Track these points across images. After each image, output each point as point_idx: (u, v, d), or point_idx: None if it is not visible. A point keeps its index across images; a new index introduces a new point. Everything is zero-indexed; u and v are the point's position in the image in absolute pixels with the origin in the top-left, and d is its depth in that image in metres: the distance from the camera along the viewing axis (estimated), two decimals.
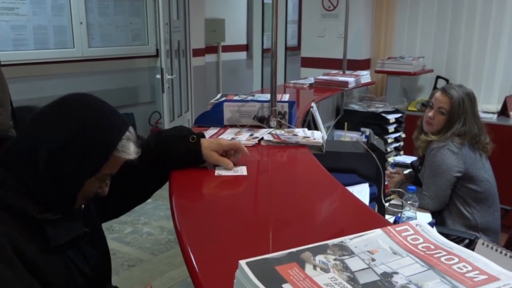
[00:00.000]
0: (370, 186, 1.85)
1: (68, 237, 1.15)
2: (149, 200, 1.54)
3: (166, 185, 1.46)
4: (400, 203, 2.22)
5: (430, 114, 2.41)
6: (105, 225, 1.56)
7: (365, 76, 3.75)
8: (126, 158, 1.19)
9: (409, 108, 4.08)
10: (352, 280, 0.71)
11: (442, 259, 0.76)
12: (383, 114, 3.47)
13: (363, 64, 4.45)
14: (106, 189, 1.25)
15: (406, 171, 2.79)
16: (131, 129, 1.22)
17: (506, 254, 1.19)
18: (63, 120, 1.14)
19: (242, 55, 6.91)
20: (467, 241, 2.06)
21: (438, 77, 4.23)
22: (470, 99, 2.36)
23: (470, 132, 2.32)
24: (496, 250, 1.23)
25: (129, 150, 1.19)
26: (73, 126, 1.12)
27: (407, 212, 1.89)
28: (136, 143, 1.23)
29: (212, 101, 2.40)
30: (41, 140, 1.11)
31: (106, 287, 1.41)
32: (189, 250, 0.98)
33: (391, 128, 3.47)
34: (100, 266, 1.30)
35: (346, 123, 3.33)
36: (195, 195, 1.44)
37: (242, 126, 2.03)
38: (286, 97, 2.53)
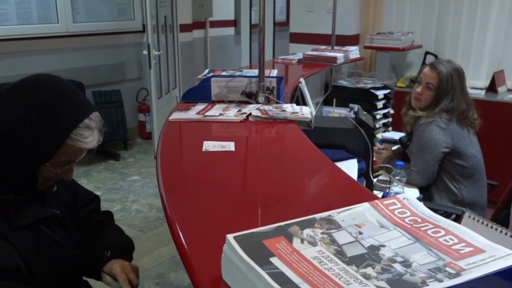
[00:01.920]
0: (358, 161, 1.85)
1: (31, 219, 1.14)
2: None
3: (154, 163, 1.45)
4: (388, 179, 2.23)
5: (418, 89, 2.41)
6: None
7: (354, 51, 3.73)
8: (82, 147, 1.13)
9: (398, 84, 4.08)
10: (340, 253, 0.71)
11: (429, 232, 0.77)
12: (372, 90, 3.46)
13: (352, 40, 4.42)
14: (71, 174, 1.21)
15: (394, 147, 2.81)
16: (94, 115, 1.15)
17: (492, 227, 1.21)
18: (15, 103, 1.09)
19: (230, 30, 6.83)
20: (454, 216, 2.08)
21: (427, 52, 4.22)
22: (458, 74, 2.36)
23: (458, 108, 2.33)
24: (482, 223, 1.25)
25: (86, 139, 1.12)
26: (24, 111, 1.08)
27: (395, 188, 1.90)
28: (99, 130, 1.17)
29: (199, 76, 2.37)
30: None
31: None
32: (177, 227, 0.98)
33: (380, 104, 3.47)
34: (72, 250, 1.28)
35: (334, 99, 3.32)
36: (182, 172, 1.44)
37: (230, 101, 2.02)
38: (274, 72, 2.50)
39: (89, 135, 1.13)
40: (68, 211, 1.34)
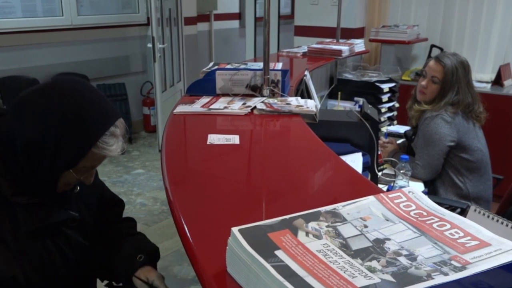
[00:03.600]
0: (363, 155, 1.85)
1: (41, 224, 1.13)
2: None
3: (158, 156, 1.45)
4: (393, 173, 2.23)
5: (423, 83, 2.39)
6: None
7: (359, 44, 3.71)
8: (107, 155, 1.12)
9: (403, 78, 4.06)
10: (345, 246, 0.71)
11: (434, 225, 0.77)
12: (377, 84, 3.44)
13: (357, 33, 4.40)
14: (91, 178, 1.21)
15: (399, 141, 2.80)
16: (119, 122, 1.14)
17: (497, 220, 1.20)
18: (42, 110, 1.08)
19: (235, 23, 6.81)
20: (459, 210, 2.07)
21: (432, 46, 4.19)
22: (464, 67, 2.34)
23: (464, 101, 2.31)
24: (488, 216, 1.24)
25: (111, 147, 1.11)
26: (50, 118, 1.06)
27: (400, 181, 1.89)
28: (124, 137, 1.16)
29: (204, 69, 2.37)
30: (19, 128, 1.08)
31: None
32: (182, 220, 0.98)
33: (385, 98, 3.45)
34: (85, 253, 1.27)
35: (339, 93, 3.31)
36: (187, 165, 1.44)
37: (235, 94, 2.01)
38: (279, 65, 2.50)
39: (114, 143, 1.12)
40: (90, 212, 1.33)
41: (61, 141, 1.07)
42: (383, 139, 2.68)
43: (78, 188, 1.25)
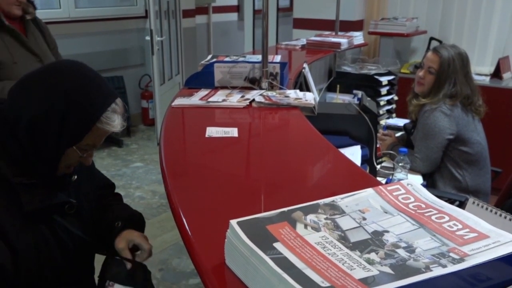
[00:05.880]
0: (362, 148, 1.85)
1: (42, 204, 1.15)
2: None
3: (157, 149, 1.45)
4: (391, 166, 2.23)
5: (421, 73, 2.39)
6: None
7: (358, 37, 3.70)
8: (110, 130, 1.17)
9: (402, 70, 4.05)
10: (343, 238, 0.71)
11: (433, 217, 0.77)
12: (376, 76, 3.44)
13: (356, 25, 4.38)
14: (90, 159, 1.25)
15: (398, 134, 2.80)
16: (118, 101, 1.20)
17: (496, 213, 1.21)
18: (47, 87, 1.12)
19: (233, 16, 6.77)
20: (457, 202, 2.07)
21: (431, 38, 4.18)
22: (461, 59, 2.33)
23: (462, 93, 2.31)
24: (487, 208, 1.24)
25: (114, 122, 1.17)
26: (56, 95, 1.10)
27: (399, 174, 1.90)
28: (123, 115, 1.21)
29: (202, 62, 2.36)
30: (23, 107, 1.11)
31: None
32: (181, 213, 0.98)
33: (384, 91, 3.45)
34: (83, 241, 1.28)
35: (338, 86, 3.30)
36: (186, 158, 1.43)
37: (233, 87, 2.01)
38: (277, 58, 2.49)
39: (116, 119, 1.17)
40: (88, 202, 1.35)
41: (67, 116, 1.10)
42: (381, 132, 2.68)
43: (76, 177, 1.28)
